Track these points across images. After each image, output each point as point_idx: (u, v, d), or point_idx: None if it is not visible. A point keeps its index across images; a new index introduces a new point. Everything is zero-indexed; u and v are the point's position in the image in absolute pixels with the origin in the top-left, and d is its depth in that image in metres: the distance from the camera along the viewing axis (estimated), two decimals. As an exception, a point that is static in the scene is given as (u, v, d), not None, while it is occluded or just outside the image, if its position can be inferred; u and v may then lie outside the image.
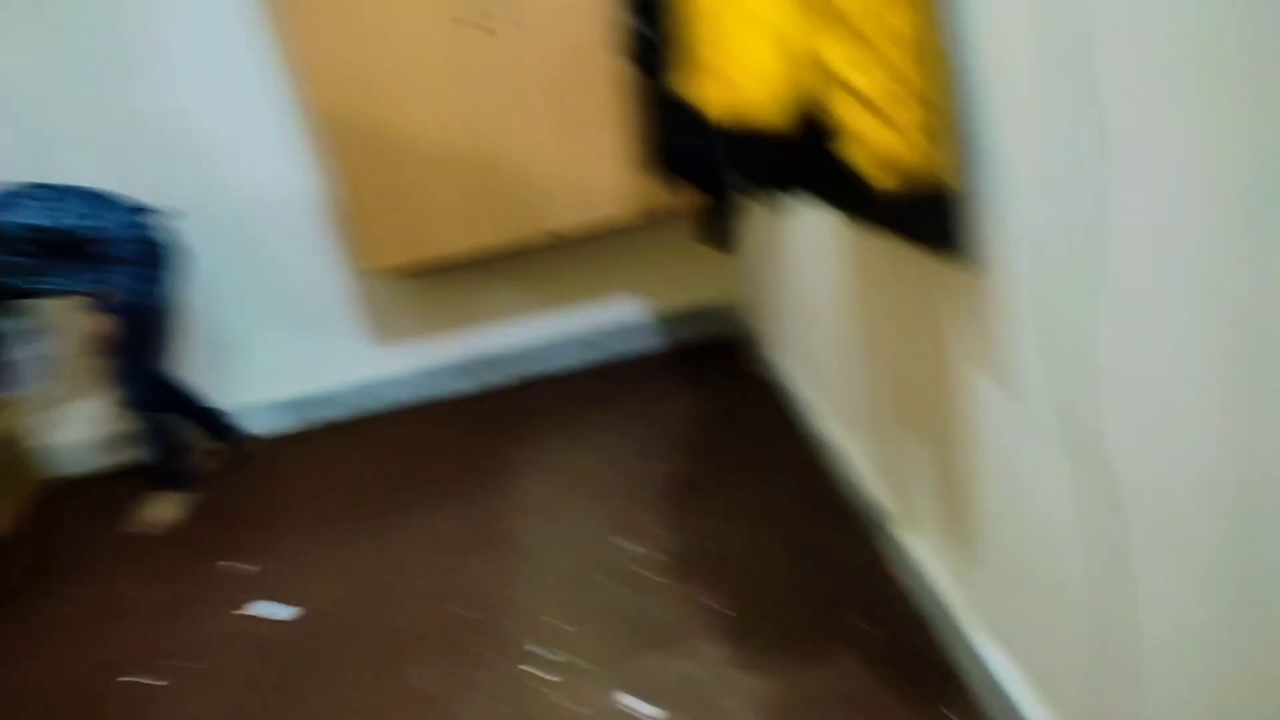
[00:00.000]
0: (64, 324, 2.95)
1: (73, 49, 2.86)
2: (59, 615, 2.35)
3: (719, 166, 1.35)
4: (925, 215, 0.99)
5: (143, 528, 2.75)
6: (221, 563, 2.44)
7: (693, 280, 3.36)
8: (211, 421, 3.01)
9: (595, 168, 2.84)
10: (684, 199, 2.39)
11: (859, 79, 0.94)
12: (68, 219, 2.46)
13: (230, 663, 2.02)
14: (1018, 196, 0.96)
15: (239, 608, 2.21)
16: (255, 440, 3.21)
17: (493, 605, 2.02)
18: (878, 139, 0.93)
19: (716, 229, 1.98)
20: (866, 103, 0.93)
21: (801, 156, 1.12)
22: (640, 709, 1.62)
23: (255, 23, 2.86)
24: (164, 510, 2.78)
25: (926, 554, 1.70)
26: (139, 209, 2.64)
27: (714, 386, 2.99)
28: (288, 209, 3.11)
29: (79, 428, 3.26)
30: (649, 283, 3.37)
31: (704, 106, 1.25)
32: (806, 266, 2.18)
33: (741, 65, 1.12)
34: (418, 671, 1.85)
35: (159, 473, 2.82)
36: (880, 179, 0.95)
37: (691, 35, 1.23)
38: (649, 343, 3.43)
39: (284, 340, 3.28)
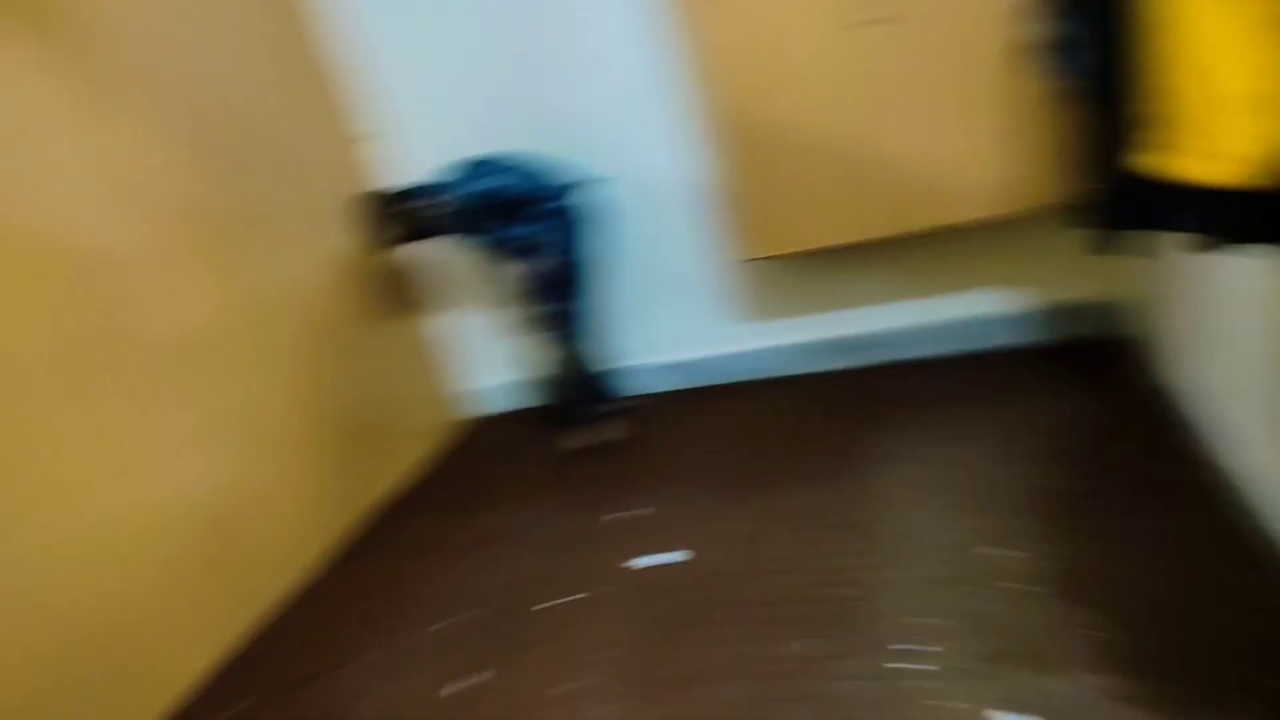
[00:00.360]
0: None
1: (513, 58, 3.35)
2: (476, 538, 2.84)
3: (1157, 216, 1.29)
4: None
5: (561, 455, 3.26)
6: (611, 510, 2.79)
7: (1074, 275, 3.16)
8: (600, 379, 3.41)
9: (979, 161, 2.79)
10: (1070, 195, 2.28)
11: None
12: (525, 178, 3.00)
13: (624, 597, 2.32)
14: None
15: (633, 549, 2.53)
16: (635, 399, 3.60)
17: (857, 591, 2.11)
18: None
19: (1107, 237, 1.86)
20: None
21: (1249, 210, 1.05)
22: (1012, 724, 1.64)
23: (660, 35, 3.15)
24: (574, 442, 3.28)
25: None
26: (570, 179, 3.10)
27: (1091, 391, 2.82)
28: (676, 195, 3.39)
29: (498, 371, 3.86)
30: (1025, 274, 3.23)
31: (1139, 155, 1.21)
32: (1240, 284, 1.97)
33: (1204, 125, 1.07)
34: (791, 640, 2.00)
35: (571, 413, 3.31)
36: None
37: (1147, 86, 1.18)
38: (1020, 338, 3.29)
39: (663, 310, 3.61)
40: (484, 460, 3.45)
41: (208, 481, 2.52)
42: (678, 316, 3.59)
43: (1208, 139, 1.11)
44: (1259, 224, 1.11)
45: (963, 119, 2.74)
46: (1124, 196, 1.38)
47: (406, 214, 3.02)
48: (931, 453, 2.66)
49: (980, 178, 2.79)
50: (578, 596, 2.38)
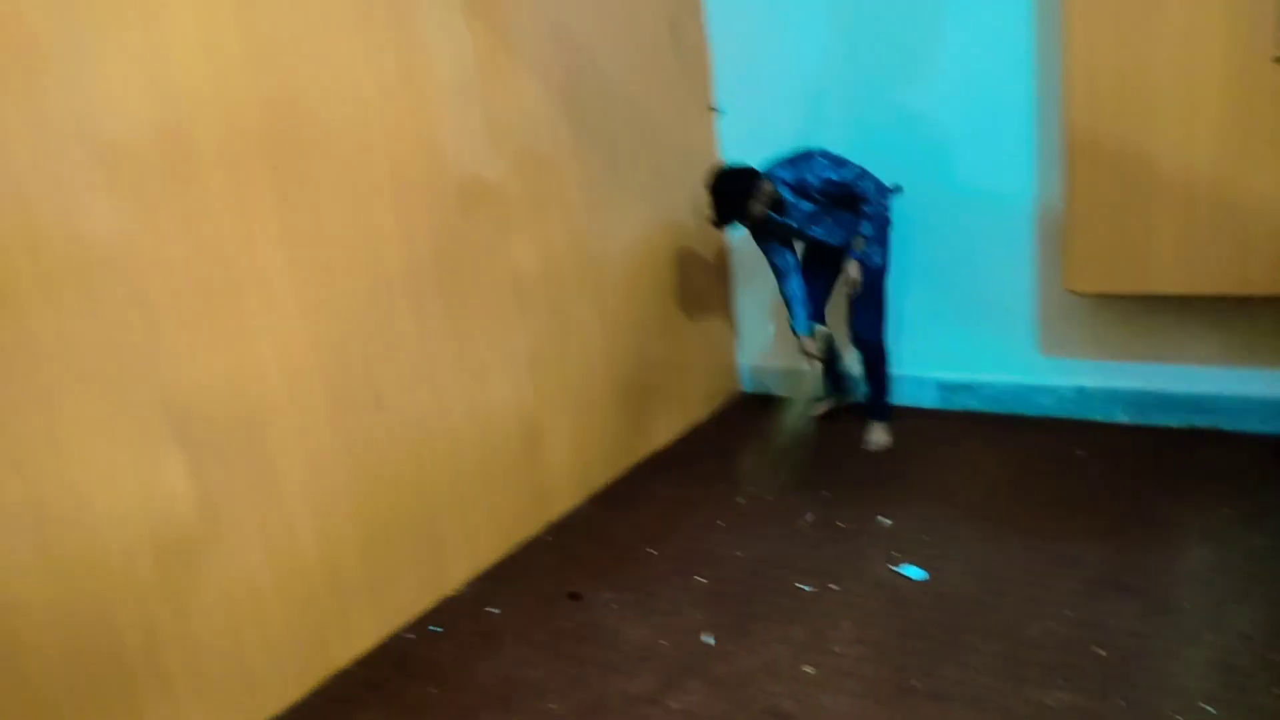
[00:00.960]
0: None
1: (860, 48, 3.38)
2: (737, 509, 2.98)
3: None
4: None
5: (868, 447, 3.34)
6: (871, 512, 2.81)
7: None
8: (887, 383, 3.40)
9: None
10: None
11: None
12: (849, 175, 3.01)
13: (870, 598, 2.35)
14: None
15: (885, 557, 2.54)
16: (905, 411, 3.55)
17: (1136, 660, 1.98)
18: None
19: None
20: None
21: None
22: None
23: (1031, 45, 3.04)
24: (878, 436, 3.35)
25: None
26: (887, 185, 3.11)
27: None
28: (1004, 212, 3.28)
29: (780, 355, 3.96)
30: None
31: None
32: None
33: None
34: (1043, 686, 1.93)
35: (870, 407, 3.38)
36: None
37: None
38: (1381, 434, 2.86)
39: (956, 326, 3.51)
40: (756, 436, 3.57)
41: (528, 398, 2.87)
42: (983, 336, 3.48)
43: None
44: None
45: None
46: None
47: (755, 192, 3.05)
48: (1254, 540, 2.40)
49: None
50: (831, 587, 2.43)
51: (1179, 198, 2.69)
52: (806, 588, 2.44)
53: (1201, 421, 3.13)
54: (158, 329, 1.86)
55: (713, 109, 3.80)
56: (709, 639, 2.26)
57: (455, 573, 2.64)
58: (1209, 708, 1.82)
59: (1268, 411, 3.00)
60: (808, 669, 2.10)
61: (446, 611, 2.53)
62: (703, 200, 3.23)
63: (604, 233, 3.17)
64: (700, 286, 3.76)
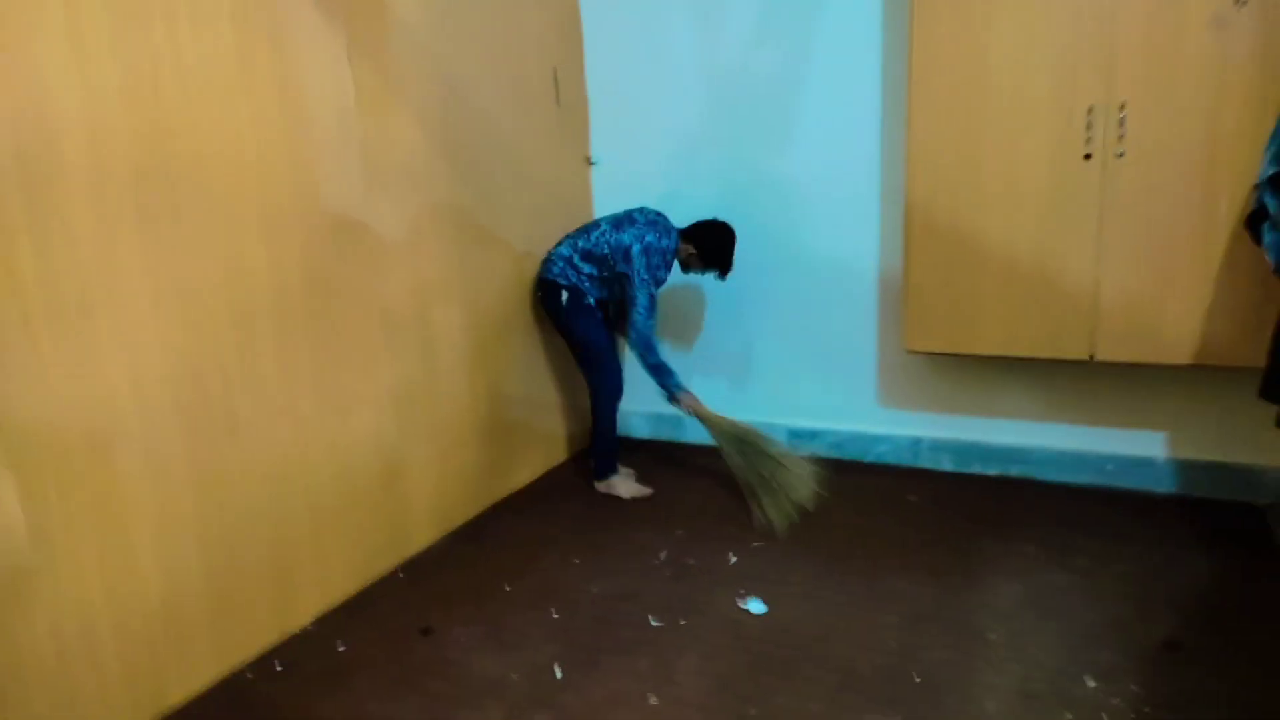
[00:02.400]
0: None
1: (730, 113, 3.61)
2: (592, 546, 3.05)
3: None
4: None
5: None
6: (721, 549, 2.94)
7: (1234, 434, 3.10)
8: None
9: (1165, 307, 2.81)
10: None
11: None
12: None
13: (715, 632, 2.46)
14: None
15: (731, 593, 2.66)
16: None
17: (949, 686, 2.17)
18: None
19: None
20: None
21: None
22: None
23: (880, 116, 3.36)
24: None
25: None
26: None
27: (1232, 552, 2.76)
28: (851, 275, 3.56)
29: (634, 400, 4.09)
30: (1184, 423, 3.18)
31: None
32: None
33: None
34: (868, 713, 2.08)
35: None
36: None
37: None
38: (1162, 484, 3.25)
39: (806, 378, 3.75)
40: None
41: (391, 434, 2.88)
42: (829, 388, 3.72)
43: None
44: None
45: (1167, 264, 2.78)
46: None
47: None
48: (1052, 576, 2.67)
49: (1159, 323, 2.81)
50: (679, 622, 2.53)
51: (1003, 271, 3.00)
52: (656, 622, 2.54)
53: (1016, 470, 3.45)
54: (-3, 348, 1.79)
55: (589, 160, 3.94)
56: (558, 672, 2.31)
57: (304, 609, 2.59)
58: (1008, 728, 2.01)
59: (1070, 463, 3.35)
60: (652, 699, 2.18)
61: (292, 648, 2.48)
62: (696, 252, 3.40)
63: (477, 273, 3.23)
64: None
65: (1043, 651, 2.29)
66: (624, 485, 3.50)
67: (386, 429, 2.86)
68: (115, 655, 2.05)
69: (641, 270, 3.26)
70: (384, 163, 2.77)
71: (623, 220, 3.39)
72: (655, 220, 3.39)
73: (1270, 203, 2.18)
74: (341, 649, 2.46)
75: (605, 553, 3.00)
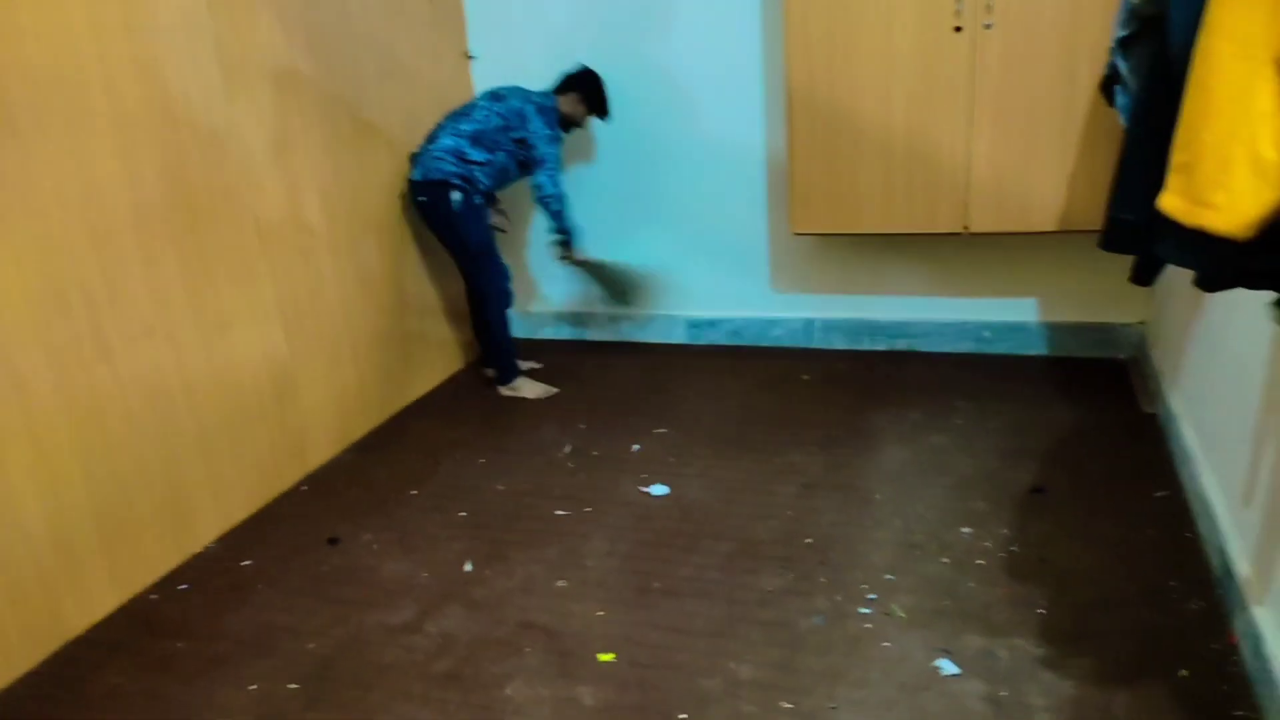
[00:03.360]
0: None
1: (616, 8, 3.52)
2: (507, 451, 3.09)
3: (1155, 247, 1.45)
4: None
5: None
6: (623, 440, 3.01)
7: (1098, 296, 3.30)
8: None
9: (1031, 177, 2.91)
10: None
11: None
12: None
13: (619, 516, 2.54)
14: None
15: (635, 479, 2.74)
16: (657, 347, 3.80)
17: (837, 545, 2.31)
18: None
19: (1140, 270, 2.01)
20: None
21: (1248, 259, 1.22)
22: (948, 670, 1.84)
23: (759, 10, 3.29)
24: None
25: (1270, 627, 1.70)
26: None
27: (1094, 404, 2.97)
28: (739, 162, 3.57)
29: (537, 300, 4.07)
30: (1052, 288, 3.36)
31: (1163, 198, 1.36)
32: (1229, 325, 2.12)
33: (1217, 179, 1.23)
34: (763, 575, 2.21)
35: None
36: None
37: (1178, 135, 1.33)
38: (1036, 346, 3.44)
39: (701, 268, 3.79)
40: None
41: (279, 348, 2.80)
42: (724, 277, 3.77)
43: (1215, 193, 1.26)
44: (1245, 272, 1.28)
45: (1035, 135, 2.87)
46: (1150, 231, 1.53)
47: None
48: (933, 438, 2.84)
49: (1027, 191, 2.93)
50: (585, 510, 2.60)
51: (880, 149, 3.06)
52: (561, 512, 2.60)
53: (903, 344, 3.60)
54: None
55: (467, 55, 3.79)
56: (468, 567, 2.36)
57: (205, 530, 2.56)
58: (890, 576, 2.16)
59: (951, 333, 3.52)
60: (561, 583, 2.26)
61: (196, 569, 2.46)
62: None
63: (357, 177, 3.11)
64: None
65: (923, 506, 2.45)
66: (529, 386, 3.52)
67: (274, 343, 2.78)
68: (2, 590, 1.99)
69: (543, 128, 3.26)
70: (244, 65, 2.61)
71: (499, 94, 3.33)
72: (525, 90, 3.36)
73: (1121, 65, 2.26)
74: (247, 564, 2.45)
75: (510, 452, 3.03)
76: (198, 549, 2.53)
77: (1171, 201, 1.35)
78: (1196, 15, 1.38)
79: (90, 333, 2.18)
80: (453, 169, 3.23)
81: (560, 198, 3.36)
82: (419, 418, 3.40)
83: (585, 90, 3.39)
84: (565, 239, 3.50)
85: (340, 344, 3.08)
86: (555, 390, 3.52)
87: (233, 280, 2.61)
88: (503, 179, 3.38)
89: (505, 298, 3.48)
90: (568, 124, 3.44)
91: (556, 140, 3.33)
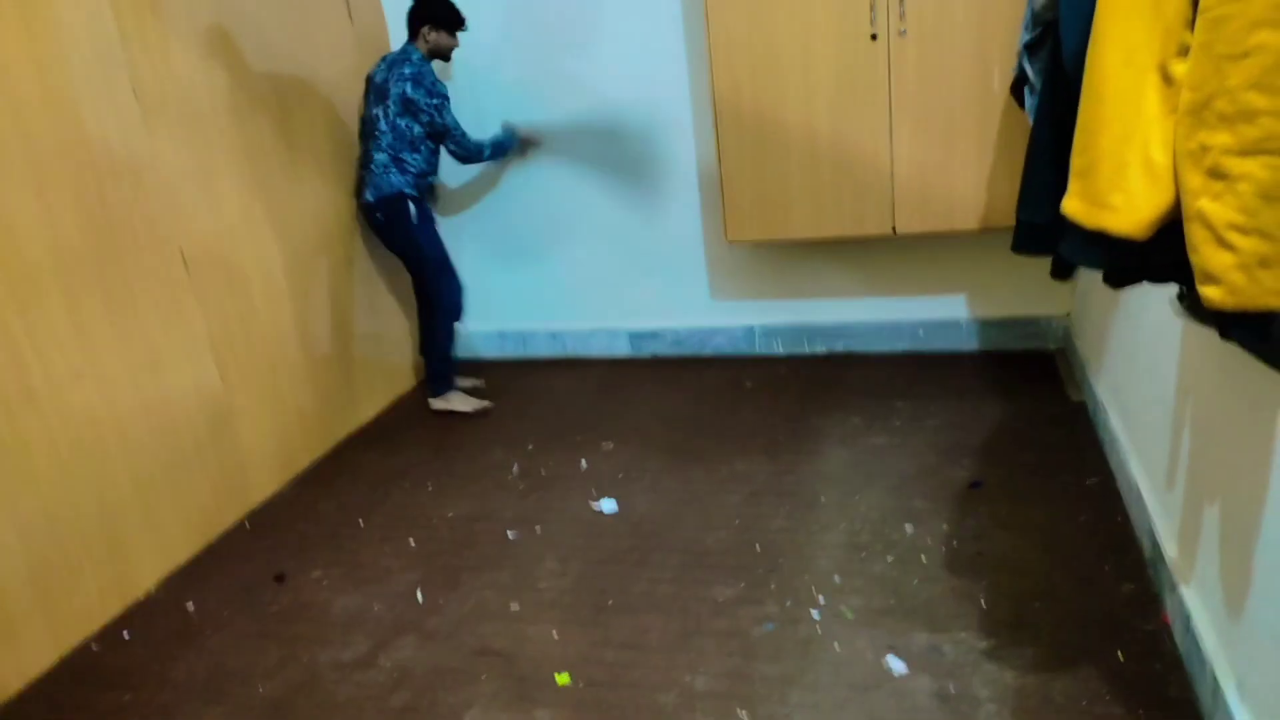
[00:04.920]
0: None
1: (532, 22, 3.53)
2: (455, 475, 3.07)
3: (1061, 248, 1.51)
4: (1257, 331, 1.12)
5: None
6: (571, 457, 3.02)
7: (1024, 290, 3.41)
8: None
9: (952, 177, 3.00)
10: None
11: (1210, 206, 1.09)
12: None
13: (570, 535, 2.55)
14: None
15: (584, 496, 2.75)
16: (599, 362, 3.81)
17: (786, 550, 2.35)
18: (1216, 263, 1.08)
19: (1057, 266, 2.09)
20: (1212, 229, 1.09)
21: (1149, 256, 1.28)
22: (897, 669, 1.88)
23: (683, 11, 3.36)
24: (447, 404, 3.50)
25: (1197, 605, 1.78)
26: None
27: (1025, 397, 3.07)
28: (671, 173, 3.60)
29: (482, 318, 4.06)
30: (978, 284, 3.46)
31: (1065, 201, 1.42)
32: (1144, 316, 2.22)
33: (1113, 182, 1.29)
34: (715, 585, 2.24)
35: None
36: (1211, 295, 1.10)
37: (1078, 138, 1.39)
38: (967, 343, 3.54)
39: (640, 280, 3.81)
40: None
41: (212, 382, 2.75)
42: (664, 287, 3.80)
43: (1112, 195, 1.33)
44: (1144, 269, 1.35)
45: (953, 137, 2.96)
46: (1057, 231, 1.59)
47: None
48: (874, 440, 2.90)
49: (948, 192, 3.02)
50: (535, 530, 2.60)
51: (806, 156, 3.12)
52: (513, 534, 2.60)
53: (842, 346, 3.67)
54: None
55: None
56: (420, 596, 2.34)
57: (145, 574, 2.49)
58: (838, 578, 2.21)
59: (888, 333, 3.60)
60: (514, 606, 2.25)
61: (138, 616, 2.40)
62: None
63: (284, 204, 3.07)
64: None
65: (867, 507, 2.51)
66: (461, 400, 3.51)
67: (207, 377, 2.73)
68: (-68, 653, 1.92)
69: (431, 100, 3.23)
70: (161, 95, 2.56)
71: (377, 90, 3.29)
72: (391, 61, 3.30)
73: (1029, 68, 2.35)
74: (192, 608, 2.40)
75: (458, 476, 3.01)
76: (139, 594, 2.47)
77: (1073, 204, 1.41)
78: (1086, 23, 1.45)
79: (14, 378, 2.12)
80: (400, 179, 3.26)
81: (479, 149, 3.41)
82: (364, 445, 3.36)
83: (429, 18, 3.28)
84: (508, 154, 3.57)
85: (278, 374, 3.03)
86: (488, 404, 3.51)
87: (161, 315, 2.55)
88: (436, 159, 3.41)
89: (456, 310, 3.48)
90: (438, 56, 3.37)
91: (443, 99, 3.26)
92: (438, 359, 3.50)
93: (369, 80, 3.38)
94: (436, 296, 3.43)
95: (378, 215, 3.32)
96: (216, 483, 2.76)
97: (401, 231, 3.33)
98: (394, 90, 3.22)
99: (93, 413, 2.33)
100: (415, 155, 3.28)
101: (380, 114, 3.26)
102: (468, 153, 3.37)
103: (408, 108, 3.22)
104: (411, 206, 3.29)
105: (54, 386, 2.22)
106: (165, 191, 2.57)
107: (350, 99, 3.45)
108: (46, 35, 2.22)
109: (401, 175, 3.26)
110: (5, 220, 2.11)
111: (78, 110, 2.30)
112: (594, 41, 3.49)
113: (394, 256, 3.49)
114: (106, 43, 2.39)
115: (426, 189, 3.41)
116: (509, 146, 3.54)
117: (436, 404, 3.53)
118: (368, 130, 3.34)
